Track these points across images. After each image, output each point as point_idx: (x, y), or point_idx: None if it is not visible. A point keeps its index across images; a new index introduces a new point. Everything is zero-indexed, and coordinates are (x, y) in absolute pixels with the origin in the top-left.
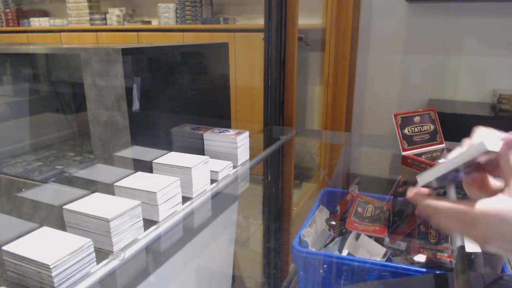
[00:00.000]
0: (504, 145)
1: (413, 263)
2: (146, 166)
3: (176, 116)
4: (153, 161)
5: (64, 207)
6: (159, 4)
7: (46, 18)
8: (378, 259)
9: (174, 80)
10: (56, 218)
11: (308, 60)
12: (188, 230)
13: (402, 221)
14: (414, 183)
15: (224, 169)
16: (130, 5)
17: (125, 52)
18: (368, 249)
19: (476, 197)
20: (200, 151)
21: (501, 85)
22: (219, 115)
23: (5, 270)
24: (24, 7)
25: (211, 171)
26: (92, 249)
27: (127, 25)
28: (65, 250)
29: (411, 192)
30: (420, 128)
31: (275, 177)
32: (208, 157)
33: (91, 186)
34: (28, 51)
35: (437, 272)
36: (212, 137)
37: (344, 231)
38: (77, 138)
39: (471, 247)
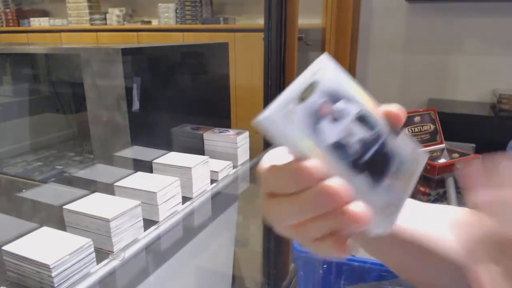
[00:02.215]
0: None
1: None
2: (146, 166)
3: (176, 116)
4: (153, 161)
5: (64, 207)
6: (159, 4)
7: (46, 18)
8: None
9: (174, 80)
10: (56, 218)
11: (308, 60)
12: (188, 230)
13: None
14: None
15: (224, 169)
16: (130, 5)
17: (125, 52)
18: None
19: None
20: (200, 151)
21: (501, 85)
22: (219, 115)
23: (5, 270)
24: (24, 7)
25: (211, 171)
26: (92, 249)
27: (127, 25)
28: (65, 250)
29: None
30: (420, 128)
31: None
32: (208, 157)
33: (91, 186)
34: (28, 51)
35: None
36: (212, 137)
37: None
38: (77, 138)
39: None
